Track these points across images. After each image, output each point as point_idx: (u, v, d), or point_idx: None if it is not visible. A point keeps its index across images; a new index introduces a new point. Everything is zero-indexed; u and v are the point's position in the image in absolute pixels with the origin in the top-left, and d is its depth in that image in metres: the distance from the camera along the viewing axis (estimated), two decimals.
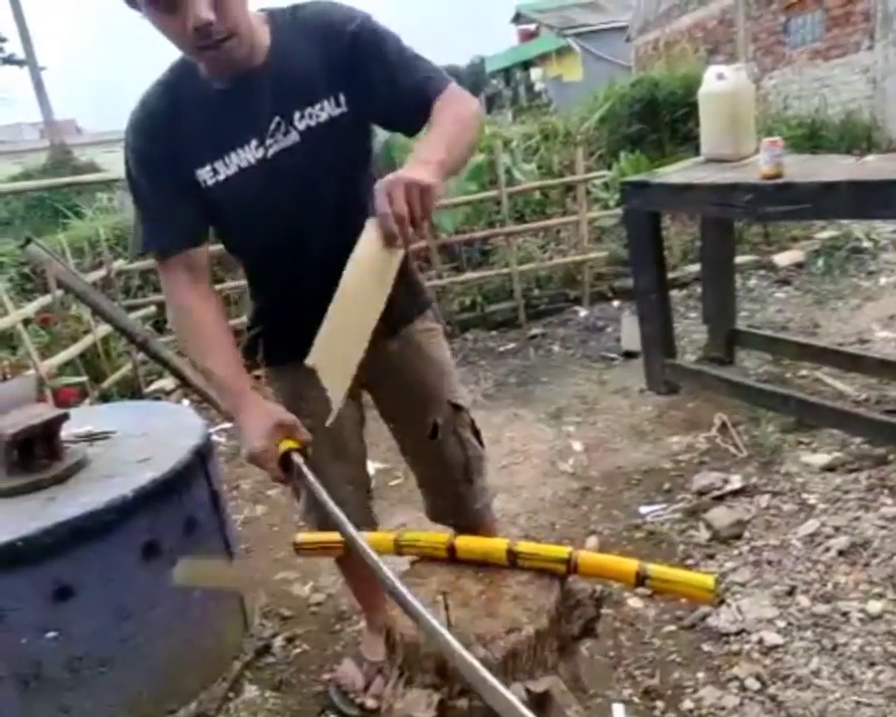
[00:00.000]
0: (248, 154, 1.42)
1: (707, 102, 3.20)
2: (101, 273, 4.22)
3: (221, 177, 1.43)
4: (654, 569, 1.27)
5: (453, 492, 1.79)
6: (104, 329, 3.89)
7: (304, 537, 1.69)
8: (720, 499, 2.56)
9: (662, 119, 6.48)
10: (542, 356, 4.35)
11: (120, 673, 1.75)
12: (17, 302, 3.84)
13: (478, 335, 4.76)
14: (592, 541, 2.48)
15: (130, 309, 4.35)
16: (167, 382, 4.20)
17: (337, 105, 1.44)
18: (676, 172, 3.28)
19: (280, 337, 1.60)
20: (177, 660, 1.87)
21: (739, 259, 4.29)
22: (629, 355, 4.09)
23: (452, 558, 1.42)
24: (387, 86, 1.41)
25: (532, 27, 27.47)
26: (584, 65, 22.04)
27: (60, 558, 1.65)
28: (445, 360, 1.74)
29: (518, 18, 28.82)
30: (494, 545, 1.40)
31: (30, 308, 3.46)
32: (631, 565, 1.29)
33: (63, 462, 1.87)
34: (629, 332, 4.32)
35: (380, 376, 1.60)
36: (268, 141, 1.42)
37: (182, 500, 1.88)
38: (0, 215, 9.32)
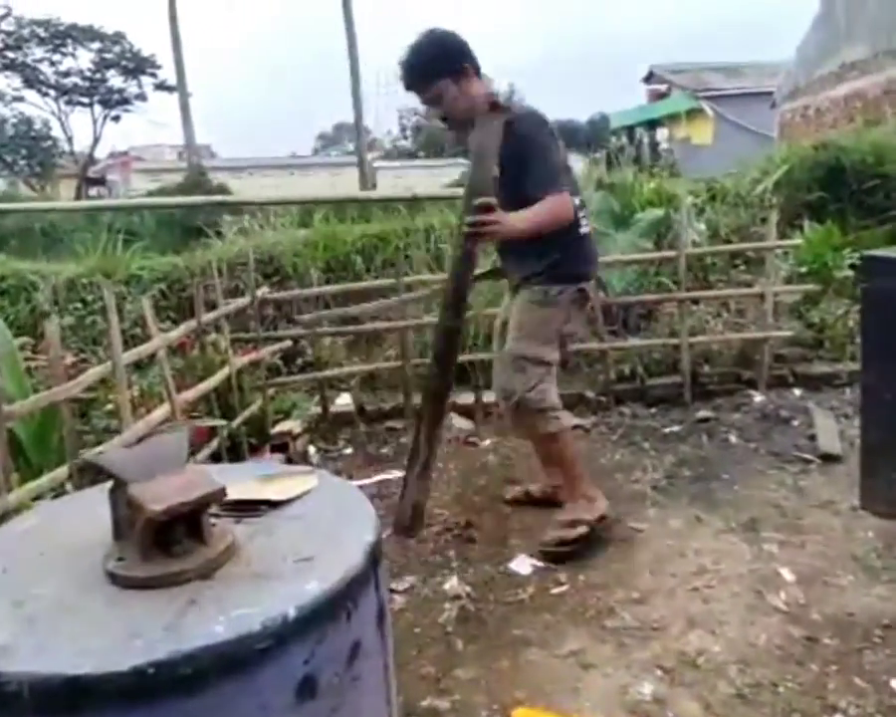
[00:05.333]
0: None
1: None
2: (245, 300, 3.94)
3: None
4: None
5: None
6: (240, 361, 3.59)
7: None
8: None
9: (848, 188, 5.80)
10: (717, 446, 3.73)
11: None
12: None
13: (636, 410, 4.20)
14: None
15: (268, 339, 4.06)
16: (295, 424, 3.85)
17: None
18: None
19: None
20: None
21: None
22: (828, 457, 3.45)
23: None
24: None
25: (662, 88, 26.96)
26: (716, 129, 21.43)
27: (195, 695, 1.22)
28: (524, 323, 2.74)
29: (650, 77, 28.32)
30: None
31: (174, 334, 3.15)
32: None
33: (208, 548, 1.46)
34: (826, 429, 3.68)
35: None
36: None
37: (350, 619, 1.44)
38: (136, 229, 9.54)
